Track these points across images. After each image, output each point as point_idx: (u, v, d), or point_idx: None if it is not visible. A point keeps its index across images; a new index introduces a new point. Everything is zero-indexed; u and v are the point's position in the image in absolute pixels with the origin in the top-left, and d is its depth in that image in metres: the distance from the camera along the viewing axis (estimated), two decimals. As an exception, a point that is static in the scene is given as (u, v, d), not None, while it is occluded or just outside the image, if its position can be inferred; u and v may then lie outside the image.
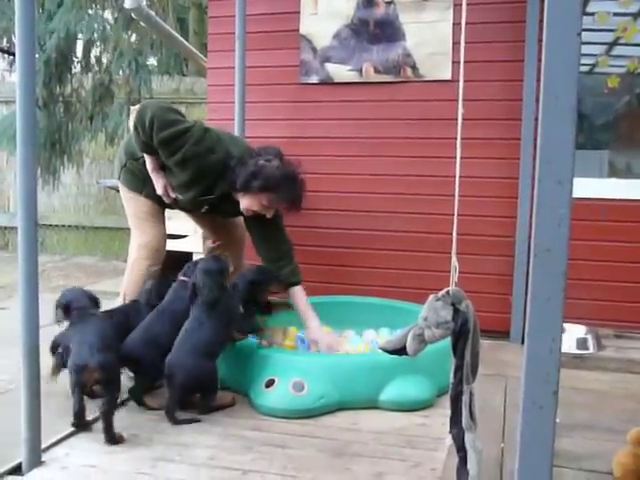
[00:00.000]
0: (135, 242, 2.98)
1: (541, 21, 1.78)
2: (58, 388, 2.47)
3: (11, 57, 7.47)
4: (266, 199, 2.76)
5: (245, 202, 2.81)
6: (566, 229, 1.21)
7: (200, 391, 2.45)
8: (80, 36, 6.67)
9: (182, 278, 2.69)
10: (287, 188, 2.74)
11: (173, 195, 2.92)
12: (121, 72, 6.56)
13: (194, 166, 2.75)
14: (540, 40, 1.24)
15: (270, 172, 2.71)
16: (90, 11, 6.63)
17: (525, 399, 1.25)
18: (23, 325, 1.94)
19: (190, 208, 3.09)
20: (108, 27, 6.71)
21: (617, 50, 3.64)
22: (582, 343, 3.23)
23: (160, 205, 3.02)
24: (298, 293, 2.97)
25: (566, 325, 3.23)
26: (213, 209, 3.01)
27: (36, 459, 2.00)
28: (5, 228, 7.68)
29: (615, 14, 3.49)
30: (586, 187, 3.38)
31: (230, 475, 1.98)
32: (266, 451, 2.15)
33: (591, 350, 3.20)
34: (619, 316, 3.44)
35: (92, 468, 2.02)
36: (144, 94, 6.60)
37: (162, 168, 2.88)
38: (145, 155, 2.85)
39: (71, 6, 6.38)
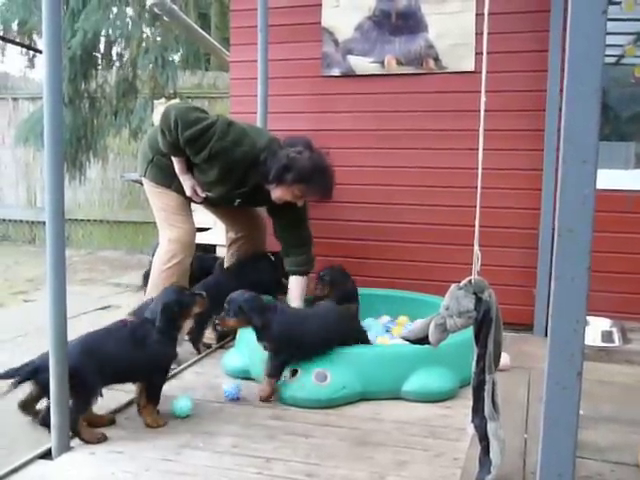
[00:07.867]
0: (165, 236, 2.97)
1: (565, 10, 1.76)
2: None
3: (32, 53, 7.52)
4: (299, 190, 2.82)
5: (278, 193, 2.86)
6: (590, 208, 1.20)
7: None
8: (104, 33, 6.73)
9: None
10: (319, 179, 2.81)
11: (203, 195, 2.94)
12: (151, 66, 6.60)
13: (222, 161, 2.78)
14: (565, 29, 1.22)
15: (302, 164, 2.77)
16: (114, 8, 6.67)
17: (548, 380, 1.24)
18: (51, 316, 1.98)
19: (221, 203, 3.11)
20: (131, 23, 6.75)
21: (644, 39, 3.58)
22: (607, 336, 3.19)
23: (187, 199, 3.03)
24: (301, 282, 3.03)
25: (591, 318, 3.21)
26: (246, 201, 3.03)
27: (65, 444, 2.05)
28: (32, 223, 7.80)
29: (642, 2, 3.43)
30: (612, 178, 3.34)
31: (254, 462, 2.00)
32: (289, 440, 2.17)
33: (616, 343, 3.17)
34: (645, 309, 3.39)
35: (119, 454, 2.05)
36: (169, 89, 6.66)
37: (189, 170, 2.91)
38: (173, 158, 2.88)
39: (97, 6, 6.43)
